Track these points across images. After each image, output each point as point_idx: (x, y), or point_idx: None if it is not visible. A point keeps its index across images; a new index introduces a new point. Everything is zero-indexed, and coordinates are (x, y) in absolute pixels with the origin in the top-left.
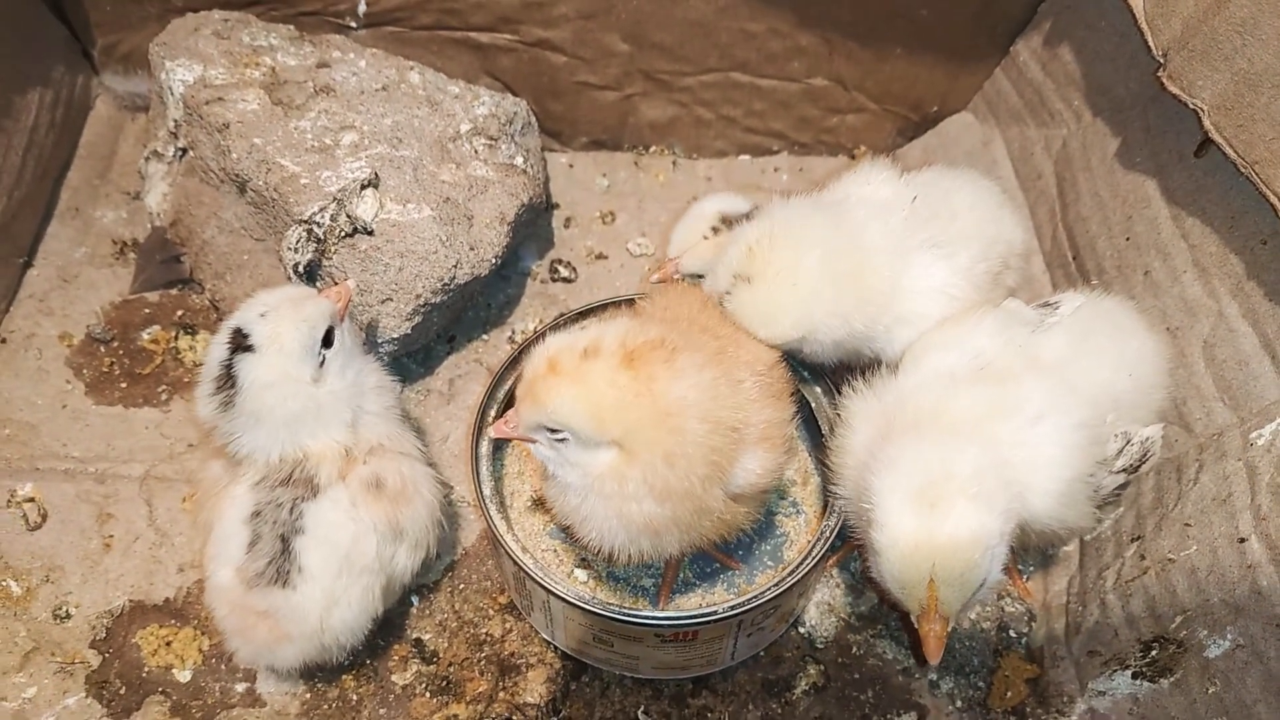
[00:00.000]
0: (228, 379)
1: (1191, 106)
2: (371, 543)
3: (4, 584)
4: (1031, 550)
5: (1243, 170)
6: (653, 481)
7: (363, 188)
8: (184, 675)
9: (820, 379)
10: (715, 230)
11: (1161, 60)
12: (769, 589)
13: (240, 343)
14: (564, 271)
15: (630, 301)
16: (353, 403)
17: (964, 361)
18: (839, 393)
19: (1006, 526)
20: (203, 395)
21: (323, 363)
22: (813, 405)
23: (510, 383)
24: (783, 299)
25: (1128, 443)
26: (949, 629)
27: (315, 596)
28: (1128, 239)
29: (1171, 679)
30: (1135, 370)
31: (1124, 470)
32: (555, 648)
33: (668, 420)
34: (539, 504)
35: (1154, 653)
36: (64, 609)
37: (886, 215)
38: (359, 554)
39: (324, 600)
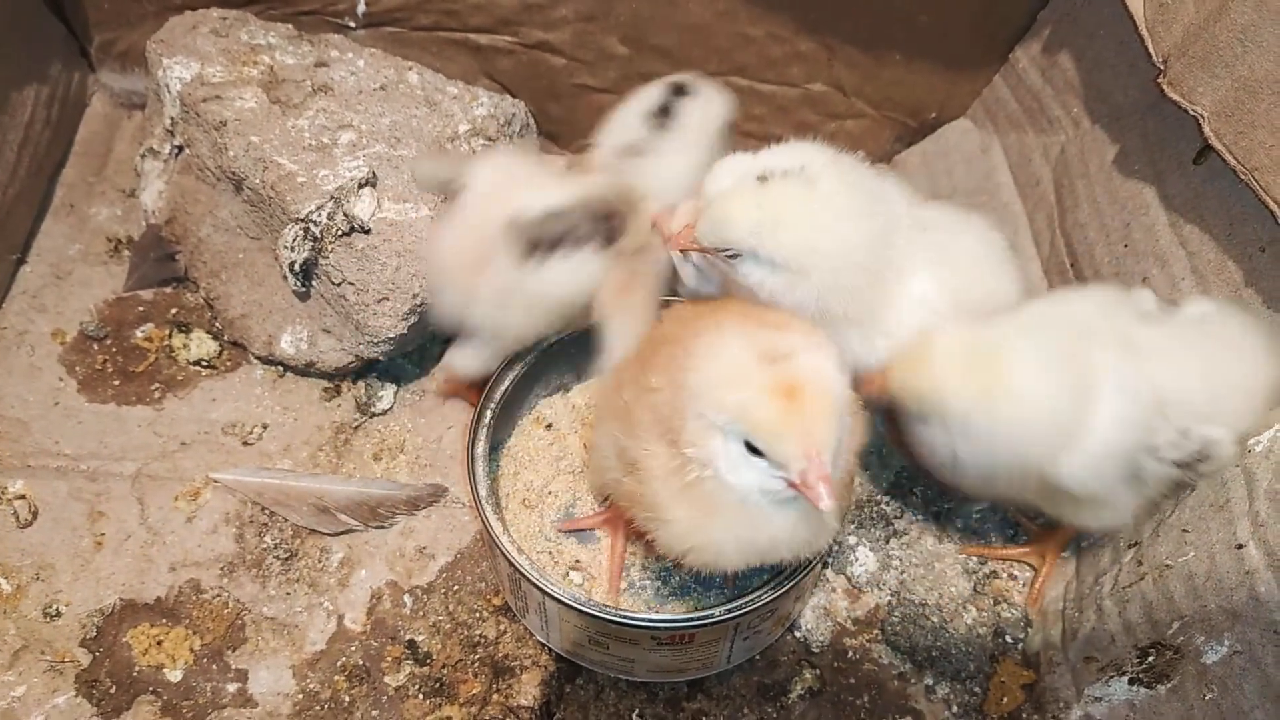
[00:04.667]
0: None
1: (1191, 113)
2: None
3: None
4: (1063, 529)
5: (1242, 177)
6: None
7: (360, 186)
8: (175, 675)
9: None
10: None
11: (1162, 67)
12: (765, 592)
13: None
14: None
15: None
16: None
17: (1057, 317)
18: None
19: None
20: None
21: None
22: None
23: (506, 384)
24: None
25: (1184, 436)
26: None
27: (511, 287)
28: (1126, 246)
29: (1168, 685)
30: (1221, 395)
31: (1176, 464)
32: (550, 650)
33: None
34: (532, 504)
35: (1151, 659)
36: (54, 607)
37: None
38: (558, 296)
39: (500, 295)
